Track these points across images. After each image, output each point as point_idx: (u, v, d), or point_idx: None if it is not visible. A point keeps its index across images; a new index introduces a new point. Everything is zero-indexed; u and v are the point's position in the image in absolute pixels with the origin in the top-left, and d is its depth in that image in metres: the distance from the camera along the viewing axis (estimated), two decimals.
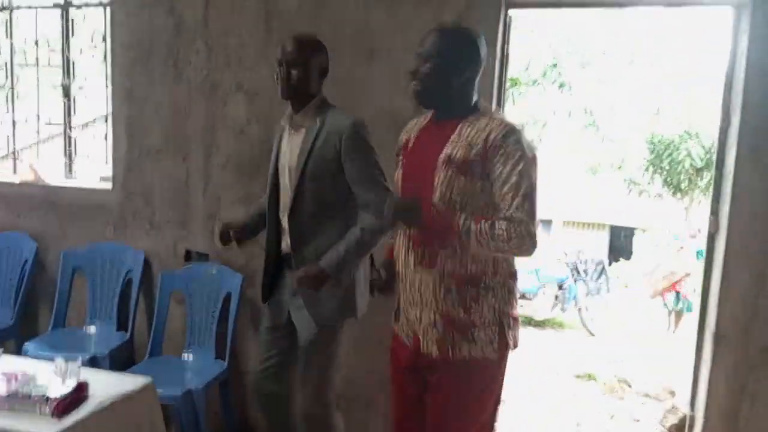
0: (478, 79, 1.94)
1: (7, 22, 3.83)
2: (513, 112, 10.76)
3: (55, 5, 3.70)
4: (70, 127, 3.79)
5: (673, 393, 4.30)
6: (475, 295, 1.87)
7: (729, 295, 2.79)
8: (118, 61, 3.44)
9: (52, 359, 2.13)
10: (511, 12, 2.96)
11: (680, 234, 9.55)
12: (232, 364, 3.18)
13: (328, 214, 2.27)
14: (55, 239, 3.66)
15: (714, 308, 2.85)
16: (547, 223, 15.16)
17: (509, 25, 2.97)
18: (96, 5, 3.61)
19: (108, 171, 3.62)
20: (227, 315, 3.22)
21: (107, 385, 2.17)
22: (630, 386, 4.75)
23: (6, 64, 3.88)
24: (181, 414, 2.90)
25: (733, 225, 2.76)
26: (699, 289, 3.10)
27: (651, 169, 13.13)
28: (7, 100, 3.93)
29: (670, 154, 12.44)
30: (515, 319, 1.95)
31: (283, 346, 2.46)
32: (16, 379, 2.06)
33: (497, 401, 2.02)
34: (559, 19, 11.30)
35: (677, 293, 7.33)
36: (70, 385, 2.03)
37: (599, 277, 7.89)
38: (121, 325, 3.48)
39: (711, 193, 2.95)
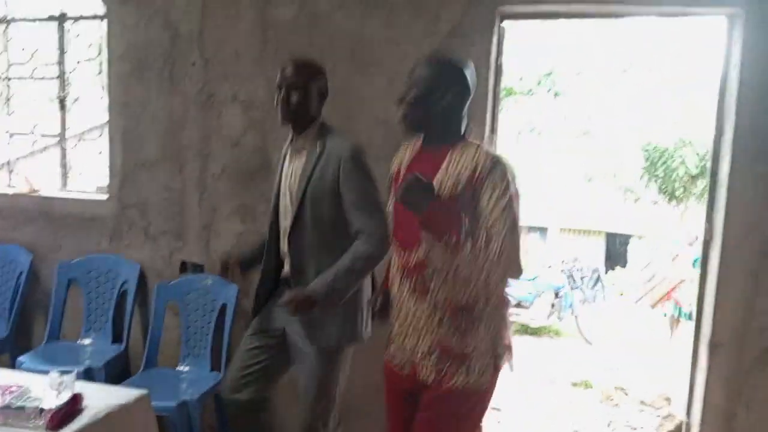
0: (466, 107, 1.98)
1: (2, 35, 3.83)
2: (508, 121, 10.80)
3: (51, 18, 3.71)
4: (66, 139, 3.78)
5: (669, 400, 4.31)
6: (470, 323, 1.90)
7: (724, 302, 2.80)
8: (114, 73, 3.45)
9: (46, 372, 2.12)
10: (505, 23, 2.98)
11: (678, 241, 9.55)
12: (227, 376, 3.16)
13: (328, 237, 2.27)
14: (50, 251, 3.65)
15: (709, 315, 2.86)
16: (544, 230, 15.18)
17: (503, 36, 3.00)
18: (92, 18, 3.61)
19: (103, 182, 3.62)
20: (222, 326, 3.21)
21: (102, 398, 2.15)
22: (626, 394, 4.74)
23: (1, 76, 3.88)
24: (176, 425, 2.89)
25: (728, 232, 2.77)
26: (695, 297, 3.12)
27: (646, 176, 13.18)
28: (1, 113, 3.92)
29: (664, 162, 12.50)
30: (508, 347, 1.99)
31: (270, 355, 2.45)
32: (10, 391, 2.04)
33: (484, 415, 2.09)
34: (553, 29, 11.37)
35: (674, 302, 7.33)
36: (64, 397, 2.02)
37: (595, 284, 7.90)
38: (116, 337, 3.47)
39: (706, 201, 2.97)
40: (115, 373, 3.25)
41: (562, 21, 3.21)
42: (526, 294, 7.43)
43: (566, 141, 13.78)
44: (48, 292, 3.57)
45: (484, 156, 1.87)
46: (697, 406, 2.93)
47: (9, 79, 3.89)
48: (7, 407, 1.99)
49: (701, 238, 2.96)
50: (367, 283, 2.39)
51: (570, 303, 7.47)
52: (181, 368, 3.27)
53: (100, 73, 3.60)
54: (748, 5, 2.66)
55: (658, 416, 3.95)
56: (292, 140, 2.38)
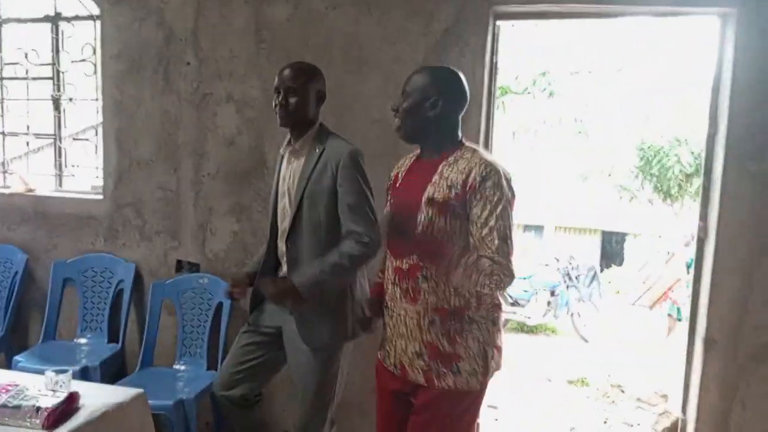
0: (461, 115, 2.01)
1: None
2: (503, 121, 10.81)
3: (46, 18, 3.70)
4: (60, 139, 3.78)
5: (665, 397, 4.32)
6: (459, 327, 1.92)
7: (718, 300, 2.81)
8: (108, 72, 3.45)
9: (43, 372, 2.12)
10: (500, 23, 2.99)
11: (673, 240, 9.56)
12: None
13: (325, 238, 2.27)
14: (45, 250, 3.65)
15: (704, 313, 2.87)
16: (539, 228, 15.21)
17: (497, 36, 3.00)
18: (86, 18, 3.61)
19: (98, 182, 3.62)
20: (218, 325, 3.22)
21: (98, 397, 2.16)
22: (623, 391, 4.76)
23: None
24: (173, 424, 2.89)
25: (722, 231, 2.79)
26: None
27: (641, 175, 13.21)
28: None
29: (659, 161, 12.52)
30: (499, 349, 2.00)
31: (264, 352, 2.46)
32: (6, 391, 2.05)
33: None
34: (548, 29, 11.38)
35: (671, 301, 7.35)
36: (60, 396, 2.02)
37: (591, 282, 7.92)
38: (113, 336, 3.47)
39: (700, 199, 2.98)
40: (112, 372, 3.25)
41: (556, 21, 3.21)
42: (522, 292, 7.45)
43: (561, 140, 13.80)
44: (43, 291, 3.56)
45: (478, 162, 1.89)
46: (693, 404, 2.95)
47: (3, 79, 3.88)
48: (4, 406, 1.99)
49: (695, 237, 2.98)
50: (361, 283, 2.40)
51: (566, 301, 7.49)
52: (177, 367, 3.28)
53: (94, 73, 3.60)
54: (740, 5, 2.68)
55: (654, 413, 3.97)
56: (289, 142, 2.38)
